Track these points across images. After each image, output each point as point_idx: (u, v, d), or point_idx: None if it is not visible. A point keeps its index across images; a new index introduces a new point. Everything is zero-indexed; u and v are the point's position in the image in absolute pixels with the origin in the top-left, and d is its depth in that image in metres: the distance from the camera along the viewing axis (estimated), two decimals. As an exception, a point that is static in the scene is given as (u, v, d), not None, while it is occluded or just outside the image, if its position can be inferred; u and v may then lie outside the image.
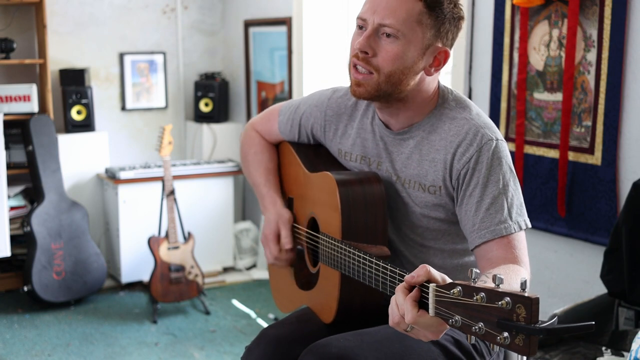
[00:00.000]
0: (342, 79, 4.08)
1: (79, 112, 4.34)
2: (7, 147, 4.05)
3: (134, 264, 4.31)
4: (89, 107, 4.36)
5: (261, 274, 4.61)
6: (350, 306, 1.71)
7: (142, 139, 4.80)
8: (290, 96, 4.37)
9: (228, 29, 4.95)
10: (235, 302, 4.20)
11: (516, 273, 1.44)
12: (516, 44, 2.93)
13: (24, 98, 4.10)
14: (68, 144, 4.30)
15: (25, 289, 3.98)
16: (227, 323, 3.89)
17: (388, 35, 1.58)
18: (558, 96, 2.81)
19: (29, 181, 4.22)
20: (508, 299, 1.11)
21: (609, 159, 2.64)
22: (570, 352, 2.34)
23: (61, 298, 4.02)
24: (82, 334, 3.72)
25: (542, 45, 2.85)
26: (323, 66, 4.24)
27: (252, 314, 4.02)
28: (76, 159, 4.35)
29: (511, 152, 2.91)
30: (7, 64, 4.18)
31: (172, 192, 3.92)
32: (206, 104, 4.77)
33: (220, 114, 4.80)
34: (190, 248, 3.98)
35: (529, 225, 1.60)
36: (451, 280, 1.24)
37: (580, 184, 2.75)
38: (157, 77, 4.78)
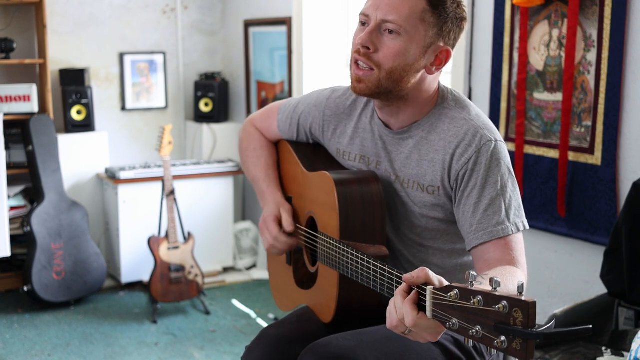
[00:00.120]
0: (342, 79, 4.08)
1: (79, 112, 4.34)
2: (7, 147, 4.05)
3: (134, 264, 4.31)
4: (89, 107, 4.35)
5: (261, 274, 4.60)
6: (349, 306, 1.70)
7: (142, 139, 4.80)
8: (290, 96, 4.36)
9: (228, 29, 4.94)
10: (235, 302, 4.20)
11: (513, 275, 1.43)
12: (516, 44, 2.93)
13: (24, 98, 4.10)
14: (68, 144, 4.30)
15: (25, 289, 3.98)
16: (227, 323, 3.89)
17: (390, 32, 1.58)
18: (558, 96, 2.81)
19: (29, 181, 4.22)
20: (505, 302, 1.10)
21: (609, 159, 2.64)
22: (570, 352, 2.34)
23: (61, 298, 4.02)
24: (82, 334, 3.72)
25: (542, 45, 2.84)
26: (323, 66, 4.24)
27: (252, 314, 4.02)
28: (76, 159, 4.35)
29: (511, 152, 2.91)
30: (7, 64, 4.18)
31: (172, 192, 3.91)
32: (206, 104, 4.77)
33: (220, 114, 4.80)
34: (190, 248, 3.98)
35: (527, 227, 1.59)
36: (448, 283, 1.24)
37: (580, 184, 2.75)
38: (157, 77, 4.78)
